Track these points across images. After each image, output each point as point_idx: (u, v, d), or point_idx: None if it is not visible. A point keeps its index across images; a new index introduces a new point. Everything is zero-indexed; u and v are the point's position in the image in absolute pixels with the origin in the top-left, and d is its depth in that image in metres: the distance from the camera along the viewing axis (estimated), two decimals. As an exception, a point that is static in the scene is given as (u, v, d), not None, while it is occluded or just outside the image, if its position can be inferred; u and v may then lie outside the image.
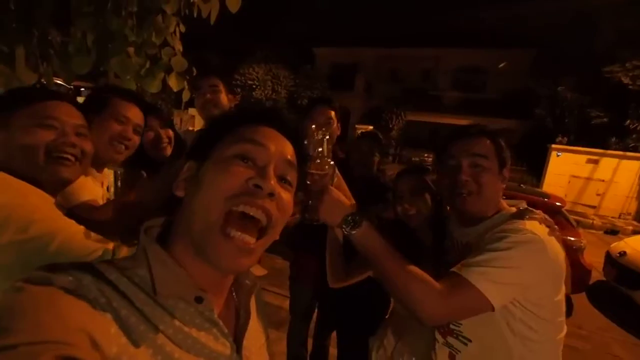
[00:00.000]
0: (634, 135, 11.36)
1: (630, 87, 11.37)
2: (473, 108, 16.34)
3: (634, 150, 11.14)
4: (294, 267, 2.18)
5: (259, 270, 3.93)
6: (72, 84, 1.83)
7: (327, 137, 0.92)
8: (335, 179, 0.99)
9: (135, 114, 1.29)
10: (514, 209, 1.12)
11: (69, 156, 0.93)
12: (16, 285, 0.41)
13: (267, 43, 19.07)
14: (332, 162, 0.93)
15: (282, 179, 0.60)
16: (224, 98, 1.91)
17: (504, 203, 1.15)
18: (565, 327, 1.07)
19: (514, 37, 17.27)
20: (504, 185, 1.12)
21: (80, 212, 1.04)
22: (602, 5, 11.97)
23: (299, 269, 2.13)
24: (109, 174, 1.42)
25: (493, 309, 0.92)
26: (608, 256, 5.16)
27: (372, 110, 17.45)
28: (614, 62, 11.64)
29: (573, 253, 4.11)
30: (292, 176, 0.62)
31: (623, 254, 4.85)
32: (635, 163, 10.86)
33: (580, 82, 12.43)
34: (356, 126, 15.93)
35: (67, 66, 1.77)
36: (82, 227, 0.87)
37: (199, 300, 0.53)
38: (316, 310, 2.25)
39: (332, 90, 17.98)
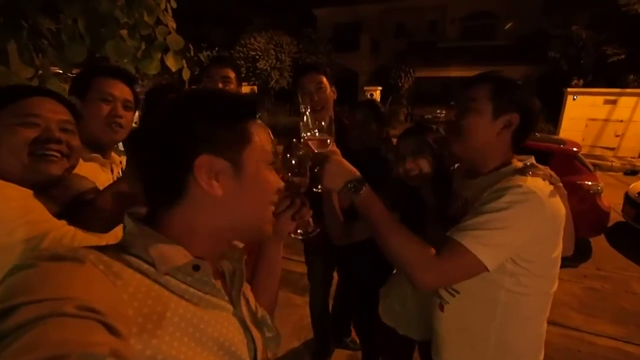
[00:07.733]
0: (653, 71, 10.77)
1: (649, 19, 10.61)
2: (484, 57, 15.42)
3: (654, 86, 10.53)
4: (303, 240, 2.26)
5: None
6: (74, 72, 1.77)
7: (309, 110, 0.92)
8: (331, 145, 0.97)
9: (121, 90, 1.24)
10: (520, 164, 1.06)
11: (54, 153, 0.89)
12: (28, 262, 0.44)
13: (266, 9, 18.31)
14: (315, 132, 0.92)
15: None
16: (235, 90, 1.83)
17: (513, 158, 1.09)
18: (557, 281, 1.06)
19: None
20: (501, 135, 1.03)
21: (82, 198, 1.02)
22: None
23: (308, 242, 2.08)
24: (120, 160, 1.39)
25: (487, 270, 0.92)
26: (627, 197, 5.06)
27: (380, 70, 16.74)
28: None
29: (590, 197, 4.07)
30: None
31: (642, 193, 4.68)
32: (655, 100, 10.27)
33: (595, 18, 11.64)
34: (365, 88, 15.50)
35: (63, 55, 1.72)
36: (72, 228, 0.84)
37: (196, 268, 0.57)
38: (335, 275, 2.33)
39: (337, 52, 17.44)
